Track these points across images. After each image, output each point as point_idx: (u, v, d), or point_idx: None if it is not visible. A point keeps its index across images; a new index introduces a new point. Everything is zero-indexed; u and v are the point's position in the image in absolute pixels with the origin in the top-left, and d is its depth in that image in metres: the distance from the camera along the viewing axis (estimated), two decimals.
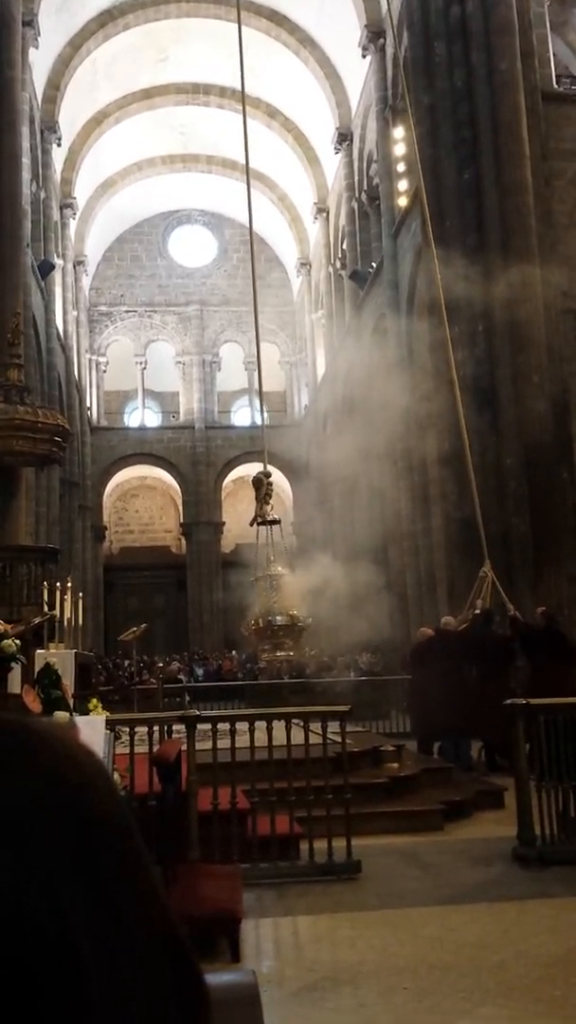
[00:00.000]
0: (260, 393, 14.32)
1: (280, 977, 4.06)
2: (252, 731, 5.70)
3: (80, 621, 8.99)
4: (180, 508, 32.08)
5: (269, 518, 9.44)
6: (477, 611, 10.42)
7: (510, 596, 10.69)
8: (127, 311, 33.05)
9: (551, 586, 12.28)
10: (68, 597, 8.13)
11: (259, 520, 9.61)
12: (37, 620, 7.52)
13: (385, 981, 3.89)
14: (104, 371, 32.35)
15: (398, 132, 19.76)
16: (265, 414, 32.55)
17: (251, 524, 9.80)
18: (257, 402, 34.10)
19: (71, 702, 6.11)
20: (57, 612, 7.95)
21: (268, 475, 9.71)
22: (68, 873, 0.45)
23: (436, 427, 14.03)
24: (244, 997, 1.17)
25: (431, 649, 10.23)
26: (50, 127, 23.34)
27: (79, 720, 5.48)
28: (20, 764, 0.48)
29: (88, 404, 30.10)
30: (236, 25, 12.41)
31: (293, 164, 28.76)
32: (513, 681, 9.21)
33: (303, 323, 31.99)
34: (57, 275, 23.77)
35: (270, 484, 9.73)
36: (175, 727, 6.08)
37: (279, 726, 5.84)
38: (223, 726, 5.82)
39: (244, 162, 10.89)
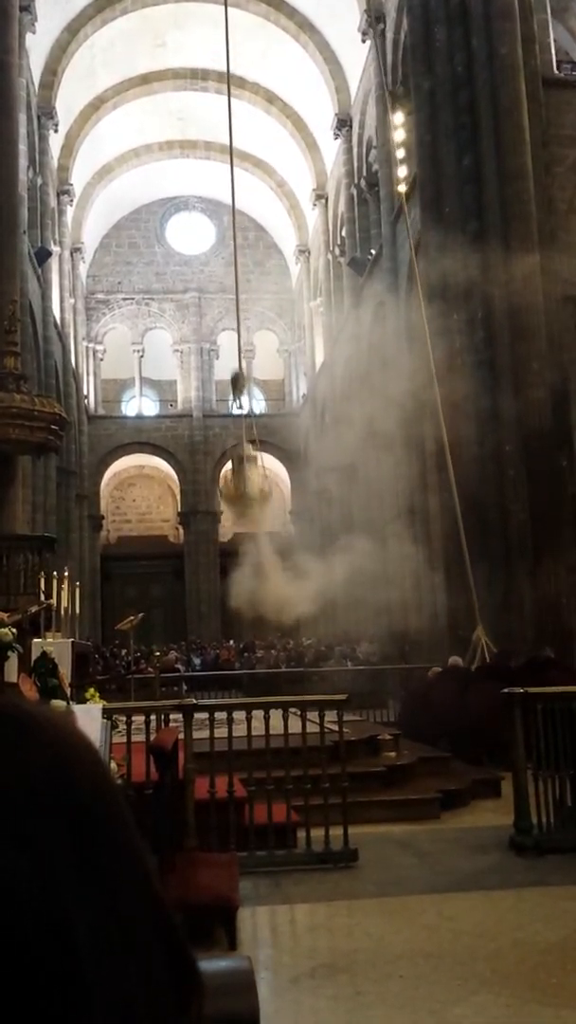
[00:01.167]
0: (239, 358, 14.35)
1: (277, 964, 4.07)
2: (249, 720, 5.71)
3: (77, 610, 9.00)
4: (178, 497, 32.03)
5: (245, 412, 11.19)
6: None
7: (510, 585, 10.75)
8: (124, 298, 32.89)
9: (549, 574, 12.27)
10: (65, 586, 8.13)
11: (238, 402, 11.42)
12: (34, 609, 7.51)
13: (381, 969, 3.90)
14: (101, 359, 32.22)
15: (398, 118, 19.62)
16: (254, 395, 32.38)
17: (232, 401, 12.21)
18: (257, 391, 34.04)
19: (68, 691, 6.11)
20: (54, 601, 7.94)
21: (242, 372, 11.37)
22: (64, 862, 0.46)
23: (434, 415, 14.00)
24: (239, 983, 1.16)
25: (438, 683, 10.63)
26: (47, 113, 23.18)
27: (76, 708, 5.48)
28: (17, 752, 0.48)
29: (85, 392, 29.99)
30: (234, 10, 12.34)
31: (292, 150, 28.58)
32: None
33: (302, 311, 31.85)
34: (54, 262, 23.64)
35: (244, 378, 11.44)
36: (172, 716, 6.07)
37: (276, 715, 5.84)
38: (220, 715, 5.82)
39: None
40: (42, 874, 0.44)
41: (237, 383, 11.71)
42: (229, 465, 10.90)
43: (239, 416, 11.81)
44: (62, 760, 0.49)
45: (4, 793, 0.46)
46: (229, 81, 12.78)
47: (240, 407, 12.29)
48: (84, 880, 0.46)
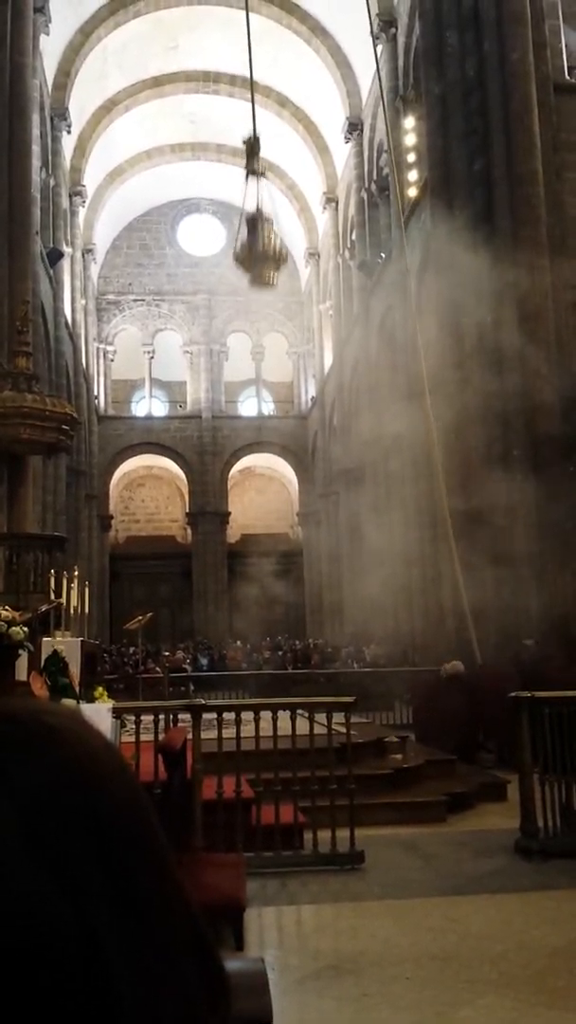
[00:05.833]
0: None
1: (283, 965, 4.09)
2: (257, 721, 5.73)
3: (86, 609, 9.04)
4: (186, 498, 32.10)
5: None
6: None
7: (517, 589, 10.75)
8: (135, 300, 32.99)
9: (556, 580, 12.26)
10: (75, 585, 8.17)
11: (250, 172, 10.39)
12: (44, 608, 7.55)
13: (387, 970, 3.92)
14: (112, 360, 32.32)
15: (409, 122, 19.65)
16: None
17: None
18: (264, 392, 34.08)
19: (77, 689, 6.14)
20: (64, 600, 7.98)
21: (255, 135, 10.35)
22: (94, 879, 0.46)
23: (441, 419, 14.00)
24: (254, 984, 1.18)
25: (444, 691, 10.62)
26: (60, 114, 23.27)
27: (85, 708, 5.52)
28: (42, 769, 0.48)
29: (95, 393, 30.08)
30: (247, 13, 12.43)
31: (303, 153, 28.62)
32: None
33: (311, 314, 31.89)
34: (66, 263, 23.71)
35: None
36: (180, 716, 6.10)
37: (284, 716, 5.87)
38: (228, 715, 5.84)
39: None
40: (72, 892, 0.44)
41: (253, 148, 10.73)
42: (244, 230, 10.20)
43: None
44: (88, 773, 0.49)
45: (32, 811, 0.46)
46: (252, 86, 12.82)
47: (255, 173, 10.81)
48: (114, 893, 0.46)
